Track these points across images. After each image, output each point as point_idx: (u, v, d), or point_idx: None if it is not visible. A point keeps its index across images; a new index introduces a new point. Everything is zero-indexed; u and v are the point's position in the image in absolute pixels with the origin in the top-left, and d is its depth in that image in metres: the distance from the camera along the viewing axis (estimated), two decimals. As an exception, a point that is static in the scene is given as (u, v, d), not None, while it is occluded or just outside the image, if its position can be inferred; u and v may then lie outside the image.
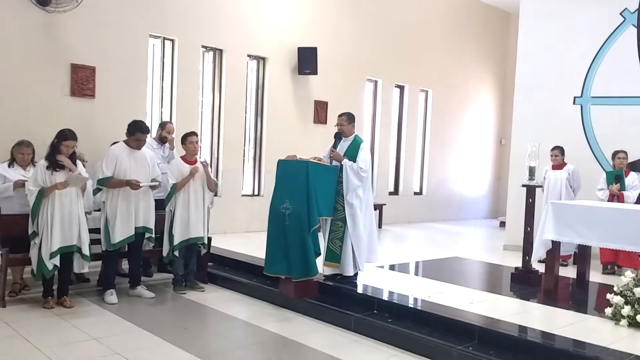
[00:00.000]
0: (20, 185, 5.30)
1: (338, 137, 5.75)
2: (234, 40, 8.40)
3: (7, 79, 6.31)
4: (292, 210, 5.25)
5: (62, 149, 5.05)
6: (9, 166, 5.55)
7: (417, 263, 7.42)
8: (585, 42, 8.11)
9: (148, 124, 7.18)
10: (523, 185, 6.10)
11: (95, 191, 5.40)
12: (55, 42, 6.63)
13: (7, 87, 6.31)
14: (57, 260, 5.00)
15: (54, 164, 5.00)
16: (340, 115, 5.80)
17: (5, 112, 6.29)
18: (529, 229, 6.01)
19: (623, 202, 6.62)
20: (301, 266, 5.25)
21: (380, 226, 10.20)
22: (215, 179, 6.05)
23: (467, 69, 12.39)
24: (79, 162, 5.25)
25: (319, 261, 5.55)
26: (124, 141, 5.56)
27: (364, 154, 5.58)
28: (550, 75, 8.35)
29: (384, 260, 6.86)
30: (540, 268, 5.86)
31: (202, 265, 6.22)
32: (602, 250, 6.63)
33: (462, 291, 5.60)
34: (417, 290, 5.50)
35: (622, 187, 6.78)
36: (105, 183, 5.35)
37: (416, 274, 6.91)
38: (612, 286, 4.77)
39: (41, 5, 6.32)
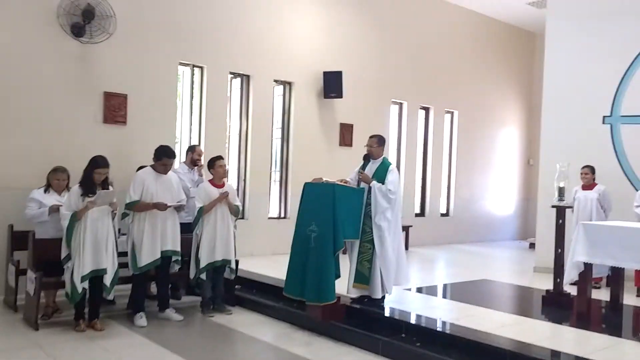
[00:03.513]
0: (55, 210, 5.46)
1: (367, 159, 5.79)
2: (261, 66, 8.56)
3: (43, 106, 6.54)
4: (318, 233, 5.27)
5: (94, 176, 5.19)
6: (44, 192, 5.73)
7: (445, 285, 7.33)
8: (613, 60, 8.02)
9: (178, 149, 7.36)
10: (553, 206, 6.02)
11: (123, 215, 5.54)
12: (88, 71, 6.87)
13: (43, 114, 6.54)
14: (86, 284, 5.08)
15: (87, 190, 5.14)
16: (371, 137, 5.83)
17: (41, 139, 6.50)
18: (559, 250, 5.91)
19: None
20: (315, 290, 5.21)
21: (406, 248, 10.10)
22: (236, 203, 6.12)
23: (492, 89, 12.35)
24: (111, 188, 5.38)
25: (344, 284, 5.54)
26: (151, 166, 5.69)
27: (392, 176, 5.59)
28: (578, 94, 8.26)
29: (411, 283, 6.81)
30: (572, 290, 5.73)
31: (229, 288, 6.27)
32: (638, 273, 6.46)
33: (491, 314, 5.51)
34: (446, 313, 5.43)
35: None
36: (133, 207, 5.48)
37: (444, 296, 6.82)
38: (648, 309, 4.64)
39: (76, 36, 6.57)
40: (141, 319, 5.48)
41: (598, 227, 5.50)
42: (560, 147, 8.12)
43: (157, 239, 5.52)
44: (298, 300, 5.50)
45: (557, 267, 5.89)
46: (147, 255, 5.47)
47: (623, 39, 7.96)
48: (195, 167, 6.78)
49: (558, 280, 5.86)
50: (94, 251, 5.12)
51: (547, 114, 8.64)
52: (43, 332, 5.11)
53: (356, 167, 5.84)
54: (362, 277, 5.56)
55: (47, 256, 5.32)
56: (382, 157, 5.79)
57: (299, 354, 4.84)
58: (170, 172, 5.77)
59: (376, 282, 5.54)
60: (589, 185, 7.27)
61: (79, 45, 6.68)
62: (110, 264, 5.22)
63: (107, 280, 5.20)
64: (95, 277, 5.15)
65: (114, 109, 7.04)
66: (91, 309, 5.31)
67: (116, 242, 5.36)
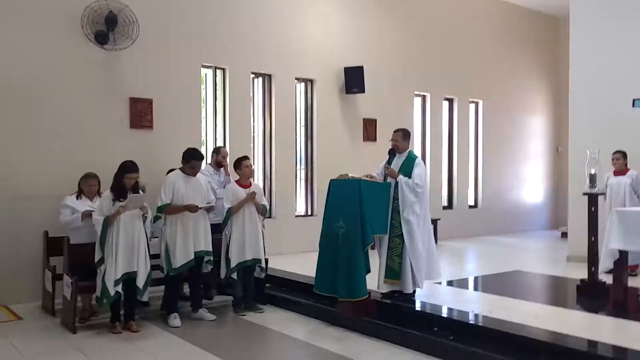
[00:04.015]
0: (88, 215, 5.57)
1: (392, 153, 5.73)
2: (282, 65, 8.59)
3: (71, 114, 6.69)
4: (346, 230, 5.27)
5: (125, 181, 5.29)
6: (77, 198, 5.86)
7: (476, 278, 7.26)
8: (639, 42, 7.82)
9: (203, 150, 7.45)
10: (584, 194, 5.90)
11: (155, 219, 5.63)
12: (114, 77, 6.99)
13: (71, 122, 6.68)
14: (119, 287, 5.19)
15: (118, 195, 5.24)
16: (396, 131, 5.78)
17: (72, 146, 6.65)
18: (593, 238, 5.79)
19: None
20: (347, 286, 5.21)
21: (435, 241, 10.02)
22: (263, 203, 6.16)
23: (517, 77, 12.14)
24: (141, 193, 5.47)
25: (374, 279, 5.53)
26: (180, 168, 5.77)
27: (418, 169, 5.54)
28: (606, 78, 8.06)
29: (441, 276, 6.76)
30: (607, 279, 5.62)
31: (260, 286, 6.32)
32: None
33: (525, 306, 5.44)
34: (478, 306, 5.38)
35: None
36: (164, 210, 5.56)
37: (475, 289, 6.76)
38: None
39: (100, 44, 6.69)
40: (175, 320, 5.56)
41: (633, 213, 5.35)
42: (590, 132, 7.95)
43: (190, 241, 5.59)
44: (329, 297, 5.51)
45: (591, 256, 5.77)
46: (181, 257, 5.55)
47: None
48: (221, 169, 6.85)
49: (593, 269, 5.74)
50: (127, 254, 5.21)
51: (574, 99, 8.47)
52: (81, 335, 5.23)
53: (381, 161, 5.79)
54: (393, 272, 5.52)
55: (82, 261, 5.44)
56: (407, 151, 5.73)
57: (332, 350, 4.85)
58: (198, 174, 5.84)
59: (407, 277, 5.49)
60: (621, 171, 7.10)
61: (104, 52, 6.80)
62: (142, 267, 5.31)
63: (140, 282, 5.29)
64: (129, 280, 5.25)
65: (140, 114, 7.15)
66: (126, 311, 5.42)
67: (148, 244, 5.46)
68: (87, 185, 5.89)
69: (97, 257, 5.26)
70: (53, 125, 6.56)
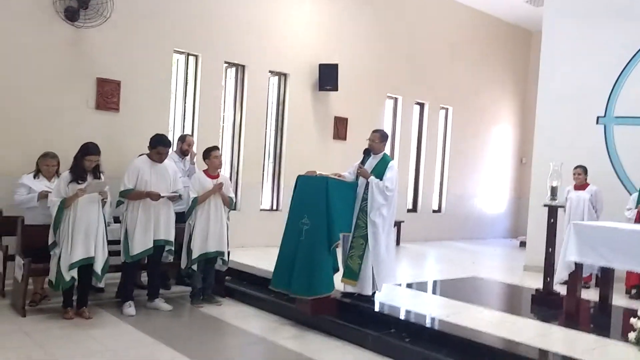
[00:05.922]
0: (44, 196, 5.39)
1: (367, 153, 5.66)
2: (257, 56, 8.49)
3: (35, 91, 6.46)
4: (310, 226, 5.24)
5: (85, 163, 5.13)
6: (34, 177, 5.67)
7: (435, 282, 7.34)
8: (608, 61, 8.03)
9: (170, 138, 7.31)
10: (545, 205, 6.02)
11: (118, 203, 5.51)
12: (82, 56, 6.79)
13: (35, 99, 6.46)
14: (75, 272, 5.04)
15: (77, 176, 5.08)
16: (374, 131, 5.72)
17: (32, 123, 6.43)
18: (550, 249, 5.92)
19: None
20: (304, 283, 5.16)
21: (398, 243, 10.13)
22: (230, 195, 6.09)
23: (488, 87, 12.35)
24: (102, 178, 5.32)
25: (336, 278, 5.52)
26: (147, 154, 5.64)
27: (391, 173, 5.50)
28: (573, 94, 8.26)
29: (401, 279, 6.81)
30: (562, 290, 5.75)
31: (220, 279, 6.24)
32: (629, 274, 6.49)
33: (481, 312, 5.52)
34: (435, 310, 5.44)
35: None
36: (127, 195, 5.44)
37: (434, 292, 6.83)
38: (637, 310, 4.65)
39: (70, 20, 6.48)
40: (130, 308, 5.44)
41: (590, 227, 5.50)
42: (554, 146, 8.12)
43: (150, 228, 5.48)
44: (285, 293, 5.45)
45: (548, 266, 5.90)
46: (139, 244, 5.43)
47: (619, 39, 7.96)
48: (186, 157, 6.74)
49: (548, 279, 5.87)
50: (84, 239, 5.06)
51: (541, 112, 8.64)
52: (30, 319, 5.06)
53: (349, 160, 5.78)
54: (352, 272, 5.47)
55: (36, 242, 5.25)
56: (382, 153, 5.67)
57: (288, 346, 4.82)
58: (167, 162, 5.71)
59: (366, 279, 5.45)
60: (581, 186, 7.28)
61: (73, 29, 6.59)
62: (100, 253, 5.17)
63: (98, 268, 5.15)
64: (85, 265, 5.10)
65: (107, 95, 6.97)
66: (80, 296, 5.27)
67: (106, 230, 5.31)
68: (45, 165, 5.70)
69: (50, 240, 5.09)
70: (14, 101, 6.33)
